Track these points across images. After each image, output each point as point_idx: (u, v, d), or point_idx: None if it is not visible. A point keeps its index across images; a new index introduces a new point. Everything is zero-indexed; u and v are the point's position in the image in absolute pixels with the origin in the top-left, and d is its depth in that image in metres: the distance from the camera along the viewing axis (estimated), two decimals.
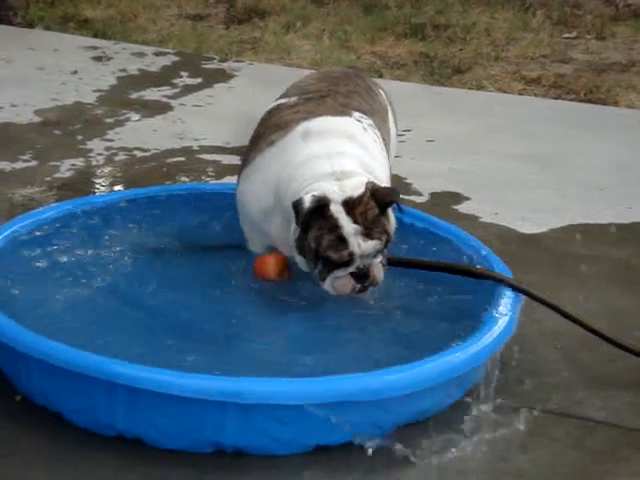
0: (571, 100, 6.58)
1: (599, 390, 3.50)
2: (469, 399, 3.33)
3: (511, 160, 5.48)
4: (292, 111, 3.76)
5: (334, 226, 3.40)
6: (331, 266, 3.44)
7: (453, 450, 3.16)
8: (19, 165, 5.19)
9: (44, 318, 3.45)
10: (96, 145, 5.48)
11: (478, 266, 3.74)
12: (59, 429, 3.17)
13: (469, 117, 6.12)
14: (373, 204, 3.42)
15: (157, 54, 7.06)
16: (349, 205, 3.40)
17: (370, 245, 3.41)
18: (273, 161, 3.63)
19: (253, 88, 6.35)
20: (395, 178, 5.12)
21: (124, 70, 6.71)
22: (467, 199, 4.99)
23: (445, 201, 4.95)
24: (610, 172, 5.37)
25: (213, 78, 6.62)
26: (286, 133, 3.66)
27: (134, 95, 6.27)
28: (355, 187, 3.43)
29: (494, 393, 3.39)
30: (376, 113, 3.90)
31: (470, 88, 6.73)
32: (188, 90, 6.38)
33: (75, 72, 6.60)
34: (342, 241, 3.40)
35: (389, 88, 6.51)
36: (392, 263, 3.75)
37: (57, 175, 5.08)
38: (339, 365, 3.25)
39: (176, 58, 7.00)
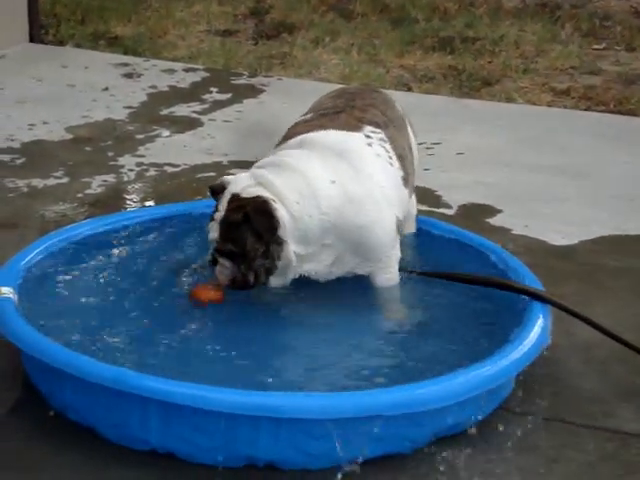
0: (601, 112, 6.56)
1: (631, 402, 3.48)
2: (500, 412, 3.32)
3: (541, 172, 5.48)
4: (305, 126, 3.84)
5: (216, 207, 3.62)
6: None
7: (484, 463, 3.16)
8: (51, 182, 5.23)
9: (77, 334, 3.48)
10: (127, 161, 5.52)
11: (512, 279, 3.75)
12: (92, 445, 3.18)
13: (498, 129, 6.11)
14: (243, 211, 3.50)
15: (187, 70, 7.10)
16: (232, 199, 3.56)
17: (214, 236, 3.57)
18: (265, 158, 3.75)
19: (282, 103, 6.37)
20: (424, 190, 5.15)
21: (154, 87, 6.76)
22: (497, 211, 4.98)
23: (475, 214, 4.95)
24: (639, 183, 5.35)
25: (242, 93, 6.65)
26: (287, 140, 3.81)
27: (164, 111, 6.31)
28: (251, 192, 3.55)
29: (526, 406, 3.38)
30: (393, 124, 3.90)
31: (499, 100, 6.73)
32: (217, 106, 6.42)
33: (106, 89, 6.65)
34: (211, 220, 3.62)
35: (418, 101, 6.55)
36: (431, 275, 3.88)
37: (88, 191, 5.12)
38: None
39: (205, 74, 7.04)
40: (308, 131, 3.77)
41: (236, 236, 3.51)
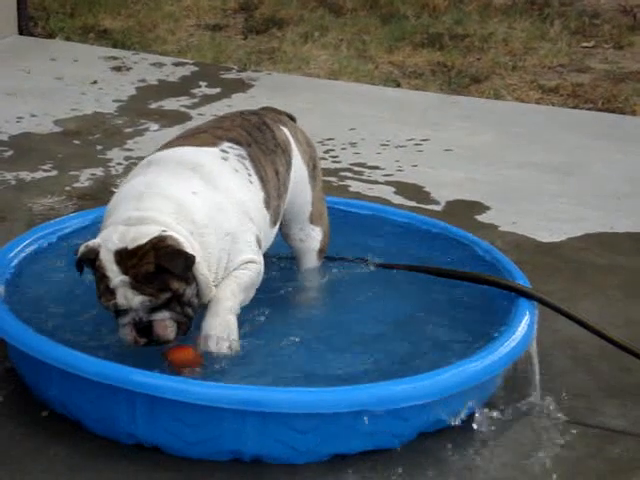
0: (589, 109, 6.58)
1: (616, 399, 3.50)
2: (486, 408, 3.34)
3: (529, 169, 5.49)
4: (163, 147, 3.65)
5: (102, 275, 3.25)
6: (113, 314, 3.31)
7: (469, 458, 3.17)
8: (39, 175, 5.23)
9: (63, 327, 3.49)
10: (115, 155, 5.52)
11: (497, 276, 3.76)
12: (80, 439, 3.19)
13: (487, 126, 6.12)
14: (151, 259, 3.20)
15: (176, 64, 7.09)
16: (121, 255, 3.21)
17: (138, 300, 3.22)
18: (115, 193, 3.52)
19: (271, 98, 6.37)
20: (413, 187, 5.16)
21: (143, 80, 6.75)
22: (486, 208, 4.99)
23: (463, 210, 4.95)
24: (628, 181, 5.36)
25: (231, 88, 6.65)
26: (138, 165, 3.59)
27: (153, 105, 6.31)
28: (137, 238, 3.22)
29: (511, 401, 3.40)
30: (258, 145, 3.64)
31: (488, 97, 6.74)
32: (207, 100, 6.42)
33: (95, 82, 6.64)
34: (110, 291, 3.24)
35: (406, 97, 6.57)
36: (417, 270, 3.86)
37: (77, 185, 5.12)
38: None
39: (195, 68, 7.04)
40: (160, 149, 3.61)
41: (158, 285, 3.22)
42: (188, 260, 3.23)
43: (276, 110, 3.95)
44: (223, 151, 3.55)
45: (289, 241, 3.93)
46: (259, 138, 3.68)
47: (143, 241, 3.22)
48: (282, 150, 3.73)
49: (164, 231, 3.25)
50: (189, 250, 3.25)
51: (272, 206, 3.62)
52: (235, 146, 3.58)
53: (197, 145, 3.57)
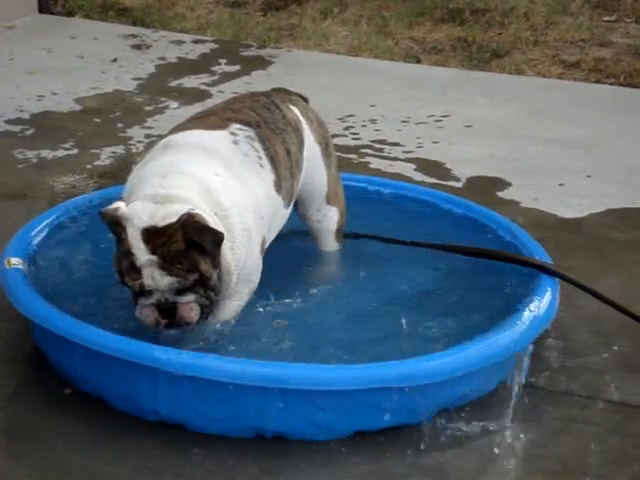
0: (611, 84, 6.53)
1: (638, 375, 3.49)
2: (508, 384, 3.33)
3: (551, 145, 5.46)
4: (174, 129, 3.62)
5: (128, 251, 3.17)
6: (133, 293, 3.24)
7: (491, 434, 3.17)
8: (60, 153, 5.24)
9: (86, 304, 3.50)
10: (136, 133, 5.52)
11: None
12: (103, 416, 3.21)
13: (508, 102, 6.10)
14: (180, 237, 3.14)
15: (195, 42, 7.08)
16: (149, 233, 3.14)
17: (166, 281, 3.17)
18: (132, 174, 3.46)
19: (291, 75, 6.36)
20: (433, 164, 5.14)
21: (163, 58, 6.75)
22: (507, 184, 4.98)
23: (484, 186, 4.94)
24: None
25: (251, 65, 6.64)
26: (153, 147, 3.55)
27: (173, 83, 6.30)
28: (167, 216, 3.16)
29: (533, 378, 3.39)
30: (268, 125, 3.58)
31: (509, 73, 6.70)
32: (226, 77, 6.41)
33: (115, 60, 6.64)
34: (136, 270, 3.17)
35: (427, 73, 6.54)
36: (438, 248, 3.88)
37: (97, 163, 5.13)
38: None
39: (214, 46, 7.02)
40: (171, 132, 3.57)
41: (187, 265, 3.17)
42: (217, 236, 3.18)
43: (286, 90, 3.92)
44: (232, 134, 3.50)
45: (306, 222, 3.90)
46: (268, 118, 3.62)
47: (173, 219, 3.15)
48: (293, 128, 3.68)
49: (192, 209, 3.19)
50: (219, 229, 3.22)
51: (285, 187, 3.56)
52: (244, 127, 3.53)
53: (206, 128, 3.52)
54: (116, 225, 3.21)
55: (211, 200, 3.28)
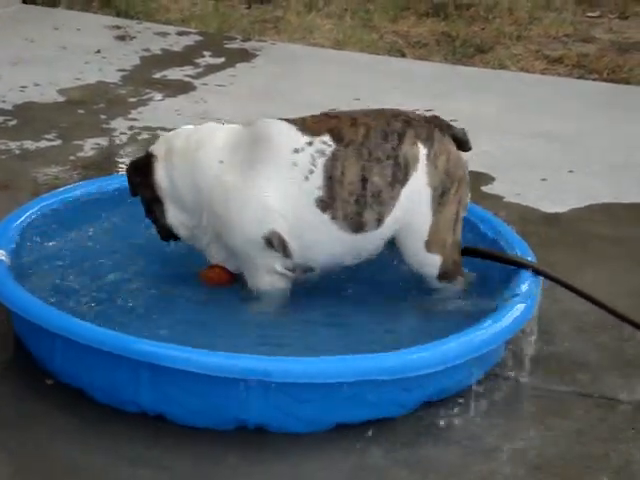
0: (594, 80, 6.55)
1: (619, 369, 3.50)
2: (490, 378, 3.35)
3: (534, 140, 5.48)
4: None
5: None
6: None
7: (472, 429, 3.18)
8: (43, 144, 5.22)
9: (69, 296, 3.50)
10: (119, 124, 5.51)
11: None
12: (85, 407, 3.20)
13: (491, 97, 6.11)
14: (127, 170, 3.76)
15: (180, 34, 7.07)
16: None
17: None
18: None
19: (275, 68, 6.35)
20: None
21: (147, 50, 6.73)
22: (490, 179, 4.99)
23: None
24: (633, 151, 5.35)
25: (235, 58, 6.63)
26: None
27: (157, 75, 6.29)
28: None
29: (514, 372, 3.41)
30: (364, 149, 3.49)
31: (492, 68, 6.72)
32: (210, 70, 6.40)
33: (98, 51, 6.62)
34: None
35: (411, 67, 6.54)
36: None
37: (81, 154, 5.11)
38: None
39: (199, 38, 7.01)
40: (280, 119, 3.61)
41: (136, 188, 3.69)
42: (147, 183, 3.59)
43: (442, 125, 3.65)
44: (309, 143, 3.47)
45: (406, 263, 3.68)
46: (370, 143, 3.49)
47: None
48: (395, 163, 3.50)
49: (155, 159, 3.63)
50: (157, 180, 3.58)
51: (341, 210, 3.47)
52: (329, 142, 3.47)
53: (299, 128, 3.51)
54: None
55: (186, 171, 3.56)
